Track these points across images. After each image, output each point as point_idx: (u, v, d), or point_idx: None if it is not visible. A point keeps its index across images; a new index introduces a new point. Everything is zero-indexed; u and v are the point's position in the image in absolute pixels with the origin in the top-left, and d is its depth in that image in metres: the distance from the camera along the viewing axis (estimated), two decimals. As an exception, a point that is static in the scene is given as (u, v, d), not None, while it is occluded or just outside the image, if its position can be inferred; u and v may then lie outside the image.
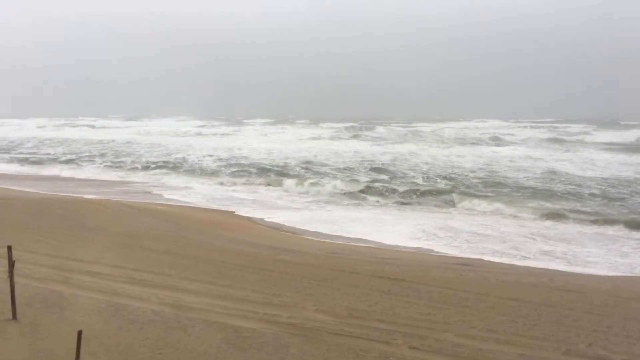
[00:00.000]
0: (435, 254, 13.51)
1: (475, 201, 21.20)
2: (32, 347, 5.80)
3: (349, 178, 27.86)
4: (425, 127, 68.73)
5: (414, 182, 26.58)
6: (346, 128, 67.04)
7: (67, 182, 26.69)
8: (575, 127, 66.71)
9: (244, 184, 27.18)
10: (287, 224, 16.75)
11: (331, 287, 8.92)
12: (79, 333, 4.71)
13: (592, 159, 35.94)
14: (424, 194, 23.29)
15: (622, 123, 73.68)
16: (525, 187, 24.74)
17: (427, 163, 34.33)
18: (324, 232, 15.75)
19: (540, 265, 12.27)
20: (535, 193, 23.21)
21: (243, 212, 18.89)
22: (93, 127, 78.87)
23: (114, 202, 18.70)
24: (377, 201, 22.43)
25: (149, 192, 23.59)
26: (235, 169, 31.77)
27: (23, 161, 36.84)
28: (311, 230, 15.99)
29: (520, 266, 12.05)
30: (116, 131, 69.13)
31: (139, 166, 33.77)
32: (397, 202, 22.13)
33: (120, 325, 6.59)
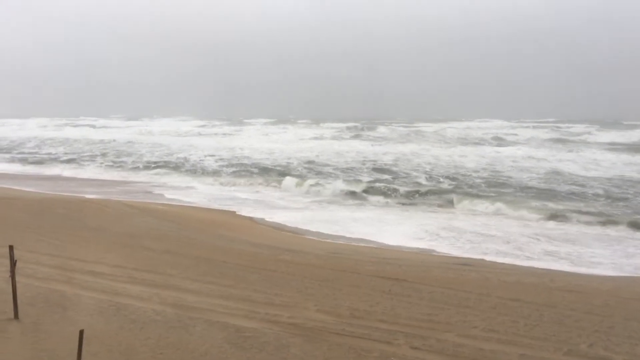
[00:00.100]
0: (436, 254, 13.49)
1: (478, 201, 21.15)
2: (34, 347, 5.81)
3: (351, 178, 27.85)
4: (428, 127, 68.47)
5: (416, 182, 26.54)
6: (348, 128, 66.84)
7: (69, 182, 26.73)
8: (577, 127, 66.40)
9: (246, 184, 27.19)
10: (288, 224, 16.74)
11: (332, 287, 8.92)
12: (81, 333, 4.71)
13: (596, 159, 35.85)
14: (427, 194, 23.23)
15: (625, 123, 73.33)
16: (529, 187, 24.70)
17: (429, 163, 34.29)
18: (325, 232, 15.73)
19: (544, 265, 12.23)
20: (539, 193, 23.15)
21: (245, 212, 18.89)
22: (94, 127, 78.97)
23: (116, 202, 18.72)
24: (382, 201, 22.38)
25: (150, 192, 23.60)
26: (237, 169, 31.81)
27: (24, 161, 36.92)
28: (313, 230, 15.98)
29: (521, 266, 12.03)
30: (117, 131, 69.20)
31: (140, 166, 33.82)
32: (399, 202, 22.10)
33: (121, 325, 6.59)
